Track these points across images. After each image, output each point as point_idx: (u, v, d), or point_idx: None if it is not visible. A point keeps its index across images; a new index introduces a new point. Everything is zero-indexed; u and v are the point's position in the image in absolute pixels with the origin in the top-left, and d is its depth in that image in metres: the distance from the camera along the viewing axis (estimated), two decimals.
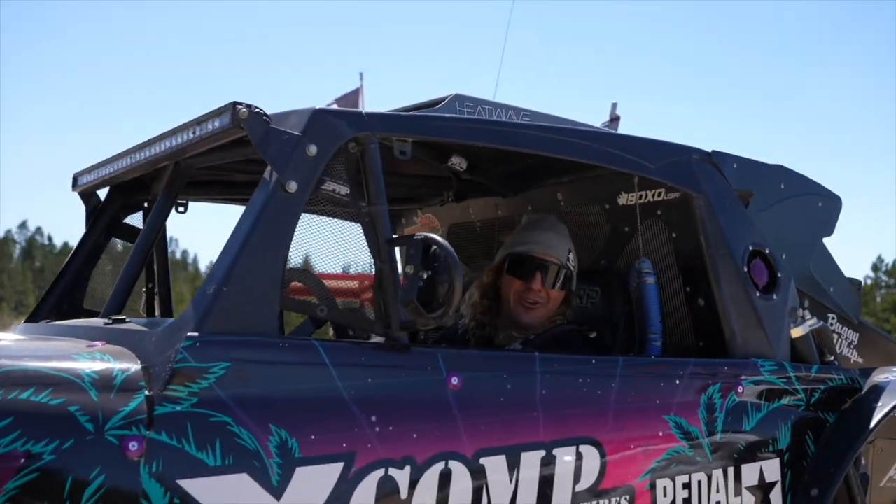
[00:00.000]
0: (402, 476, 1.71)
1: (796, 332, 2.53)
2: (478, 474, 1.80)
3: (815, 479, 2.34)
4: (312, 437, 1.63)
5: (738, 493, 2.23)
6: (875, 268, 45.67)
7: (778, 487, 2.32)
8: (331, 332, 2.30)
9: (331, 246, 1.96)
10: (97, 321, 2.04)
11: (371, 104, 8.02)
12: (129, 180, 2.46)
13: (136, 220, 2.65)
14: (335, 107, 3.41)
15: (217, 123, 1.82)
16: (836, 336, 2.90)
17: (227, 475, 1.54)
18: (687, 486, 2.13)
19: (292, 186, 1.73)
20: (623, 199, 2.62)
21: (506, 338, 2.49)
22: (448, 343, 2.54)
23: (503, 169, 2.72)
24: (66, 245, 55.70)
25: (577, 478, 1.94)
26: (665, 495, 2.09)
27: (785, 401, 2.40)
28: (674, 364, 2.24)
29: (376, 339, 1.87)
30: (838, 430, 2.45)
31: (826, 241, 2.87)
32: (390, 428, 1.71)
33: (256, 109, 1.75)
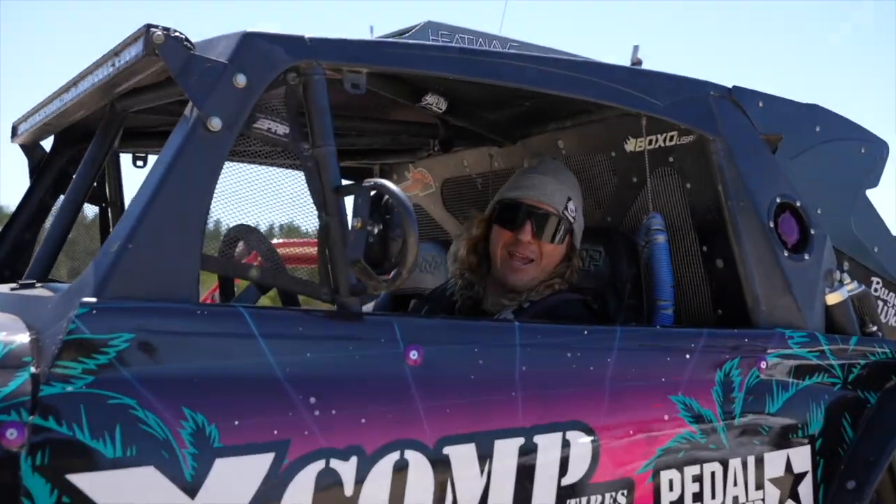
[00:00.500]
0: (346, 469, 1.50)
1: (832, 299, 2.35)
2: (441, 466, 1.59)
3: (852, 470, 2.18)
4: (236, 422, 1.43)
5: (759, 485, 2.02)
6: None
7: (808, 479, 2.12)
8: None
9: (266, 198, 1.75)
10: (4, 287, 1.84)
11: None
12: (75, 128, 2.28)
13: None
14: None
15: (133, 52, 1.61)
16: (880, 303, 2.69)
17: (128, 468, 1.34)
18: (698, 478, 1.91)
19: (215, 124, 1.51)
20: (630, 146, 2.39)
21: (494, 305, 2.22)
22: (439, 310, 2.30)
23: (496, 114, 2.49)
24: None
25: (563, 470, 1.72)
26: (671, 489, 1.87)
27: (817, 378, 2.21)
28: (683, 335, 2.03)
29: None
30: (881, 412, 2.29)
31: (870, 193, 2.68)
32: (333, 412, 1.50)
33: (175, 33, 1.53)
